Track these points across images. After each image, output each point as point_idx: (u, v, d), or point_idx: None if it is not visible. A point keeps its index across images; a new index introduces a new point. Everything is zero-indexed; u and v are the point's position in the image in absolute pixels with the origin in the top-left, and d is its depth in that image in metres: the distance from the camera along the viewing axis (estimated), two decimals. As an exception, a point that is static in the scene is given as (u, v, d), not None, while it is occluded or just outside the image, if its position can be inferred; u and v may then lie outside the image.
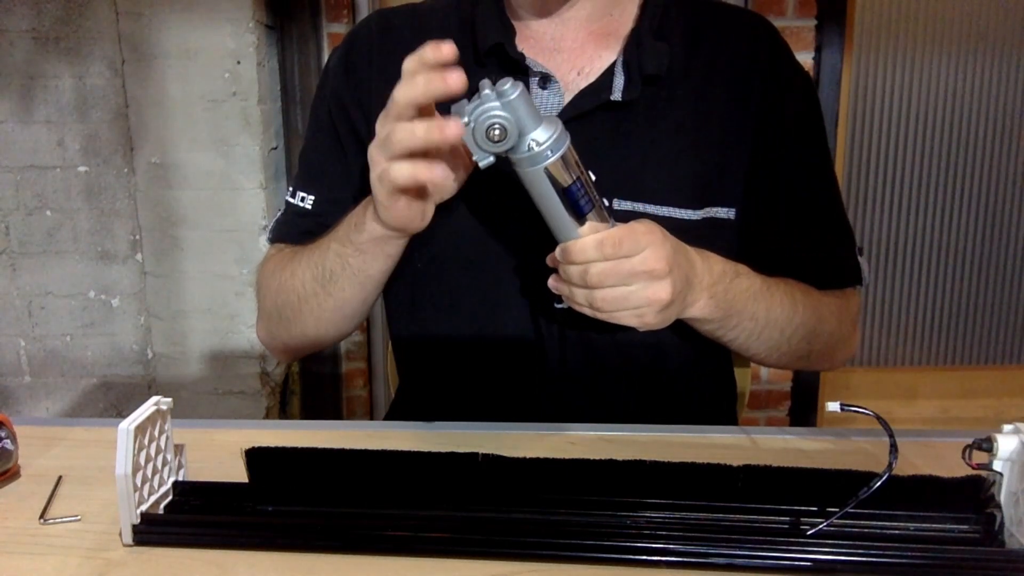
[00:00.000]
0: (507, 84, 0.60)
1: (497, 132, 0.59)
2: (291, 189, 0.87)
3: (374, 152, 0.64)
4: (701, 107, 0.79)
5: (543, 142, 0.61)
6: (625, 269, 0.63)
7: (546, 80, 0.77)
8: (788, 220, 0.82)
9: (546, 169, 0.61)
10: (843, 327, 0.84)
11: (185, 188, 1.79)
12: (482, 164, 0.62)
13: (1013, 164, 2.23)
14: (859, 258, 0.86)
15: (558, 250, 0.66)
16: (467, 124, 0.60)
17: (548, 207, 0.64)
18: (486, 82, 0.61)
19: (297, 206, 0.85)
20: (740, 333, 0.76)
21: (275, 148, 1.84)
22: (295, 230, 0.86)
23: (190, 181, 1.79)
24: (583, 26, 0.79)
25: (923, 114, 2.21)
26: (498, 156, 0.61)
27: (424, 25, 0.83)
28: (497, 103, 0.59)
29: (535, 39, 0.80)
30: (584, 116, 0.76)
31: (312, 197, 0.85)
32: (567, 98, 0.77)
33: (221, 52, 1.72)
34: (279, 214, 0.89)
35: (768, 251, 0.82)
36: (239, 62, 1.73)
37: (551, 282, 0.68)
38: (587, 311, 0.66)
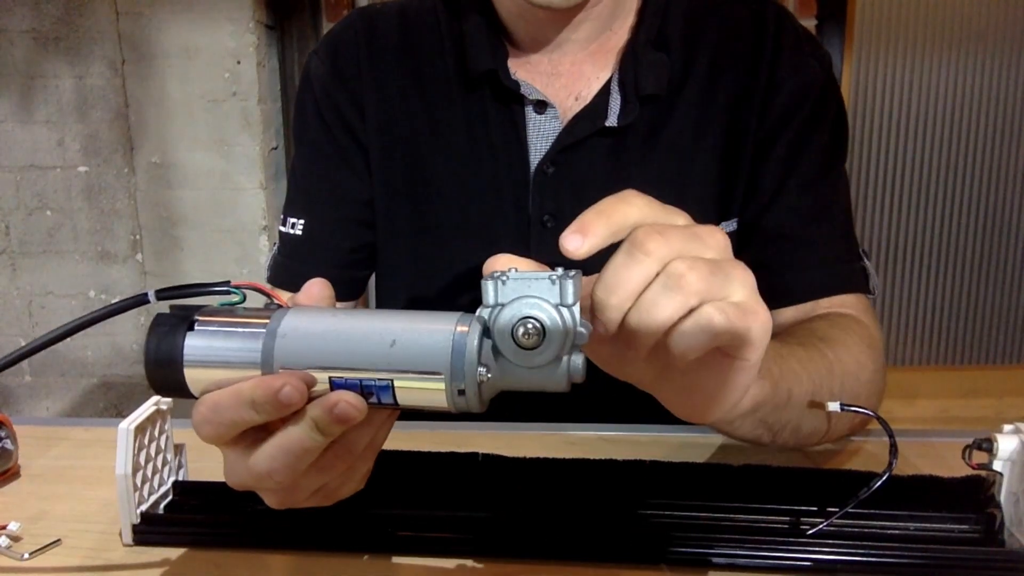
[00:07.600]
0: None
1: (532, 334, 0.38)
2: (282, 217, 0.82)
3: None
4: (704, 116, 0.73)
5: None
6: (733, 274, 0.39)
7: (543, 106, 0.73)
8: (784, 219, 0.74)
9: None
10: (878, 377, 0.66)
11: (185, 188, 1.79)
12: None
13: (1013, 164, 2.23)
14: (866, 262, 0.75)
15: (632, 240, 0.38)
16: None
17: None
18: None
19: (288, 235, 0.81)
20: (790, 419, 0.57)
21: (275, 148, 1.84)
22: (286, 273, 0.81)
23: (190, 181, 1.79)
24: (581, 48, 0.74)
25: (923, 114, 2.21)
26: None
27: (411, 33, 0.78)
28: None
29: (531, 64, 0.75)
30: (580, 143, 0.72)
31: (302, 221, 0.80)
32: (565, 123, 0.73)
33: (221, 52, 1.72)
34: (274, 248, 0.84)
35: (758, 255, 0.73)
36: (239, 62, 1.73)
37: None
38: (643, 334, 0.38)
